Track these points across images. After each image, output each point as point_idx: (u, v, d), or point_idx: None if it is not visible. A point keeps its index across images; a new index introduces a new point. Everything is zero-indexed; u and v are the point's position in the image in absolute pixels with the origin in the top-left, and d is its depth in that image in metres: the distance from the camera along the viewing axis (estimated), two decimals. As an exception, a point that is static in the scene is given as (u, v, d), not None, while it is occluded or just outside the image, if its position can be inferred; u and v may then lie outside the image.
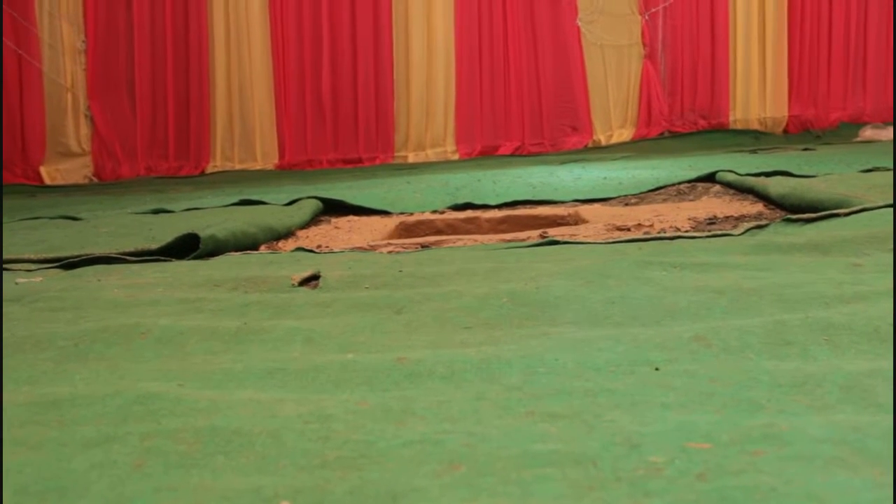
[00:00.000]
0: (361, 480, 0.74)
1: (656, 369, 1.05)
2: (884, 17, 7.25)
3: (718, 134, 7.22)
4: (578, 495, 0.69)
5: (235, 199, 3.83)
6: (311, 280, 1.80)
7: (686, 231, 2.44)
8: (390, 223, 3.15)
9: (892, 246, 1.78)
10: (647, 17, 7.30)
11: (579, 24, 7.26)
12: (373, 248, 2.46)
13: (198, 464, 0.80)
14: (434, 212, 3.36)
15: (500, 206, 3.40)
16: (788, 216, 2.34)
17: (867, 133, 6.94)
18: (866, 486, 0.68)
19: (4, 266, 2.21)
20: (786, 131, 7.32)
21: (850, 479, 0.70)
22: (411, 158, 7.21)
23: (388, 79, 7.22)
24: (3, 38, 6.75)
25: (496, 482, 0.73)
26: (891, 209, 2.15)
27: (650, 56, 7.34)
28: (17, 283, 1.95)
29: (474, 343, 1.24)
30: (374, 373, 1.09)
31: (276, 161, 7.25)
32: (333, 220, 3.34)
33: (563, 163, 5.76)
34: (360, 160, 7.19)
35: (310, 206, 3.37)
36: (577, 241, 2.23)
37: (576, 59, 7.30)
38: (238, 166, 7.19)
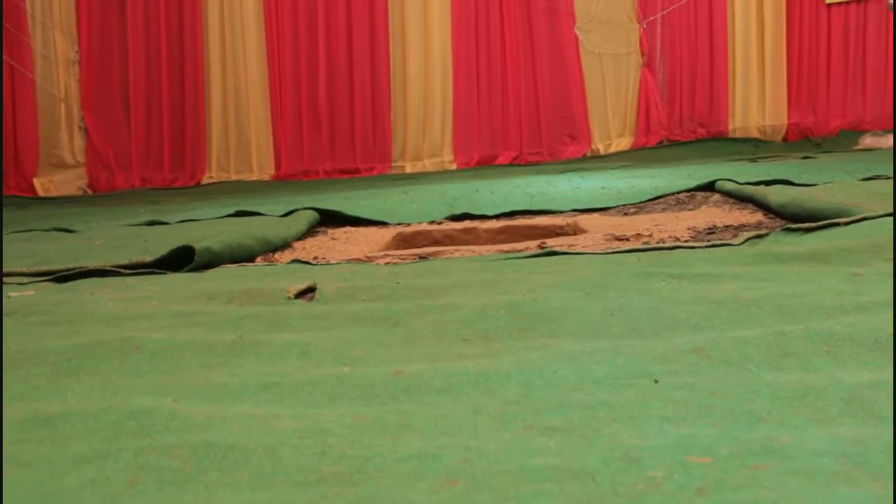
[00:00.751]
0: (357, 497, 0.73)
1: (656, 382, 1.04)
2: (882, 24, 7.26)
3: (717, 142, 7.22)
4: (577, 512, 0.68)
5: (231, 211, 3.82)
6: (308, 292, 1.79)
7: (685, 241, 2.43)
8: (387, 234, 3.14)
9: (892, 255, 1.77)
10: (645, 26, 7.30)
11: (577, 32, 7.26)
12: (370, 259, 2.45)
13: (192, 480, 0.79)
14: (432, 222, 3.35)
15: (497, 217, 3.39)
16: (788, 225, 2.33)
17: (867, 141, 6.94)
18: (868, 501, 0.67)
19: (-1, 279, 2.20)
20: (785, 139, 7.32)
21: (852, 493, 0.69)
22: (408, 169, 7.20)
23: (385, 89, 7.22)
24: (-3, 50, 6.75)
25: (494, 498, 0.72)
26: (891, 218, 2.14)
27: (648, 64, 7.34)
28: (9, 297, 1.93)
29: (472, 356, 1.23)
30: (371, 386, 1.08)
31: (272, 172, 7.24)
32: (330, 231, 3.33)
33: (561, 172, 5.76)
34: (356, 171, 7.18)
35: (306, 218, 3.36)
36: (576, 251, 2.22)
37: (573, 67, 7.31)
38: (234, 177, 7.18)
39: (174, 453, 0.85)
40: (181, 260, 2.34)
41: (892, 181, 3.29)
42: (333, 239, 3.09)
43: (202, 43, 7.20)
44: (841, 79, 7.36)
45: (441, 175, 6.62)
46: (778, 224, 2.65)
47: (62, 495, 0.77)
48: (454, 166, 7.21)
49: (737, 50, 7.35)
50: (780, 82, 7.37)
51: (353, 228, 3.37)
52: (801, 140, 7.28)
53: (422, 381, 1.09)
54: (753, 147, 7.07)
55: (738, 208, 3.15)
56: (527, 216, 3.39)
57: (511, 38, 7.29)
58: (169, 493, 0.76)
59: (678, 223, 2.87)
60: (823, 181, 3.51)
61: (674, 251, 2.10)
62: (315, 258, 2.55)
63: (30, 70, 6.97)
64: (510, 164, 7.18)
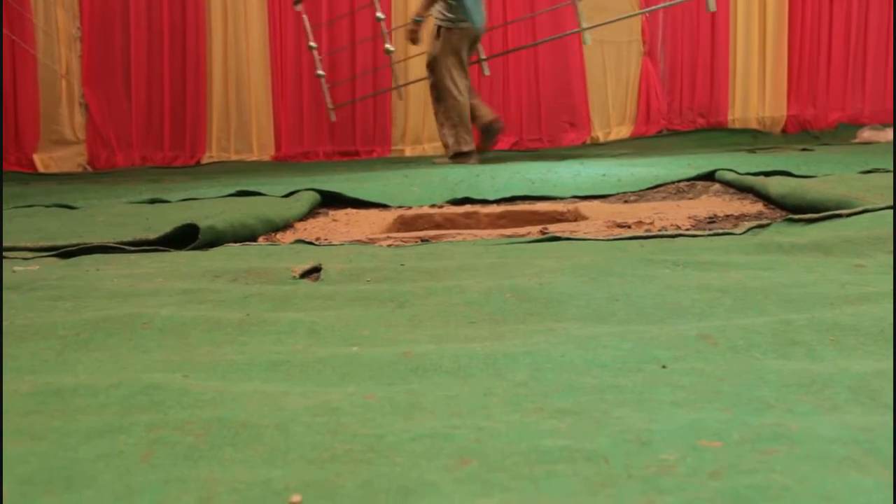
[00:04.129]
0: (372, 474, 0.73)
1: (663, 367, 1.04)
2: (884, 18, 7.27)
3: (717, 132, 7.23)
4: (591, 492, 0.69)
5: (232, 190, 3.82)
6: (312, 272, 1.79)
7: (687, 229, 2.44)
8: (389, 217, 3.14)
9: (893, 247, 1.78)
10: (647, 15, 7.29)
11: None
12: (372, 241, 2.45)
13: (205, 455, 0.79)
14: (433, 206, 3.36)
15: (498, 202, 3.40)
16: (790, 216, 2.33)
17: (865, 134, 6.95)
18: (878, 487, 0.68)
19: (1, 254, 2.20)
20: (784, 131, 7.33)
21: (862, 479, 0.70)
22: (408, 152, 7.20)
23: (386, 71, 7.20)
24: (-1, 25, 6.72)
25: (508, 477, 0.72)
26: (892, 210, 2.15)
27: (650, 53, 7.34)
28: (14, 271, 1.93)
29: (479, 338, 1.24)
30: (380, 366, 1.09)
31: (272, 153, 7.23)
32: (331, 212, 3.34)
33: (561, 159, 5.76)
34: (356, 153, 7.19)
35: (308, 199, 3.37)
36: (579, 237, 2.23)
37: (575, 55, 7.30)
38: (234, 157, 7.17)
39: (187, 428, 0.86)
40: (184, 238, 2.35)
41: (891, 174, 3.29)
42: (335, 220, 3.09)
43: (204, 21, 7.18)
44: (841, 72, 7.37)
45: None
46: (778, 215, 2.66)
47: (77, 467, 0.77)
48: (454, 151, 7.21)
49: (738, 41, 7.35)
50: (781, 74, 7.38)
51: (353, 210, 3.37)
52: (800, 132, 7.30)
53: (430, 362, 1.09)
54: (752, 138, 7.09)
55: (739, 198, 3.16)
56: (527, 202, 3.40)
57: (513, 25, 7.27)
58: (183, 467, 0.77)
59: (679, 212, 2.87)
60: (823, 173, 3.52)
61: (676, 239, 2.10)
62: (317, 239, 2.55)
63: (31, 46, 6.94)
64: (509, 150, 7.18)
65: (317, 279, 1.75)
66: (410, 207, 3.35)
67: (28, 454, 0.81)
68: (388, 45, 6.46)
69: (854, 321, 1.19)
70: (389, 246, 2.27)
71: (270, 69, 7.20)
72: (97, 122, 7.11)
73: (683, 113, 7.41)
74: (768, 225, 2.25)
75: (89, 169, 7.03)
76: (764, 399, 0.92)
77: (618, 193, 3.50)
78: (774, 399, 0.92)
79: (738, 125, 7.36)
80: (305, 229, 2.87)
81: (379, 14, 6.49)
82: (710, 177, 3.72)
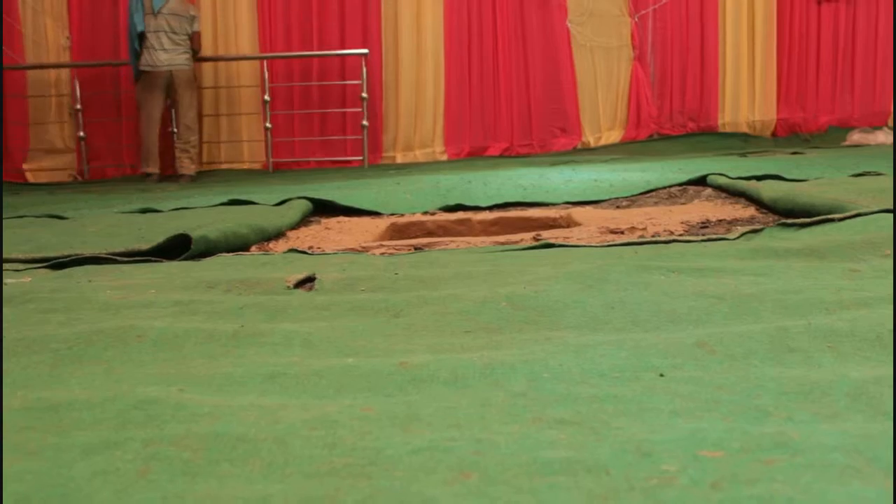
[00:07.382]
0: (372, 489, 0.73)
1: (661, 375, 1.04)
2: (871, 21, 7.29)
3: (707, 137, 7.24)
4: (593, 505, 0.68)
5: (224, 199, 3.81)
6: (307, 282, 1.78)
7: (680, 235, 2.43)
8: (381, 224, 3.13)
9: (887, 251, 1.77)
10: (636, 19, 7.30)
11: (569, 25, 7.26)
12: (365, 249, 2.44)
13: (203, 471, 0.78)
14: (425, 213, 3.35)
15: (491, 208, 3.40)
16: (783, 221, 2.33)
17: (855, 137, 6.98)
18: (881, 497, 0.68)
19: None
20: (774, 134, 7.35)
21: (865, 488, 0.69)
22: (399, 159, 7.19)
23: (377, 79, 7.19)
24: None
25: (509, 490, 0.72)
26: (885, 214, 2.15)
27: (640, 58, 7.35)
28: (6, 284, 1.92)
29: (476, 348, 1.23)
30: (377, 378, 1.08)
31: (263, 161, 7.21)
32: (323, 220, 3.33)
33: (553, 164, 5.76)
34: (348, 160, 7.17)
35: (300, 207, 3.36)
36: (573, 244, 2.22)
37: (565, 60, 7.30)
38: (225, 166, 7.14)
39: (184, 444, 0.85)
40: (177, 248, 2.33)
41: (881, 177, 3.30)
42: (327, 228, 3.08)
43: (194, 29, 7.14)
44: (830, 75, 7.39)
45: (432, 165, 6.61)
46: (771, 219, 2.66)
47: (72, 485, 0.76)
48: (445, 157, 7.21)
49: (727, 45, 7.37)
50: (770, 78, 7.40)
51: (346, 218, 3.37)
52: (790, 135, 7.31)
53: (427, 373, 1.09)
54: (742, 142, 7.10)
55: (731, 203, 3.16)
56: (520, 208, 3.39)
57: (503, 30, 7.28)
58: (181, 484, 0.76)
59: (671, 217, 2.87)
60: (814, 177, 3.53)
61: (670, 245, 2.10)
62: (310, 248, 2.54)
63: (20, 56, 6.90)
64: (500, 156, 7.18)
65: (311, 289, 1.74)
66: (403, 215, 3.34)
67: (24, 472, 0.80)
68: None
69: (851, 327, 1.19)
70: (383, 254, 2.26)
71: (261, 77, 7.17)
72: (87, 131, 7.08)
73: (674, 117, 7.41)
74: (761, 230, 2.25)
75: (79, 178, 7.00)
76: (763, 407, 0.91)
77: (610, 199, 3.50)
78: (774, 407, 0.91)
79: (728, 129, 7.37)
80: (298, 238, 2.86)
81: None
82: (701, 181, 3.73)
